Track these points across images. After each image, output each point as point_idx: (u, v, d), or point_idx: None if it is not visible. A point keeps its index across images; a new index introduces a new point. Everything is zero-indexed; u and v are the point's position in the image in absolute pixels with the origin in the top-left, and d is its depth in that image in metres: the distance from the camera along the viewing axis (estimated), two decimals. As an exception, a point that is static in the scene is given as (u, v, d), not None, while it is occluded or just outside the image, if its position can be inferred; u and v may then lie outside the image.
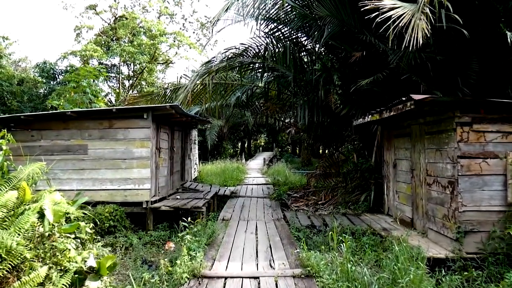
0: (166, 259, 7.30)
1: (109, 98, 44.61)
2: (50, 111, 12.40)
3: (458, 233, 7.68)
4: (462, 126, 7.83)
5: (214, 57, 15.11)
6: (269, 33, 15.58)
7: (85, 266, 6.48)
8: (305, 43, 16.43)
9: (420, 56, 10.43)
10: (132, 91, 45.69)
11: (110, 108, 11.99)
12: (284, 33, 15.65)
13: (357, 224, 10.97)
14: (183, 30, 48.08)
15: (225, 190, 18.29)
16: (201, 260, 7.39)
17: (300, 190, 18.78)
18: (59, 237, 6.33)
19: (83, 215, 8.78)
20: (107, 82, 47.82)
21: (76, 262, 6.37)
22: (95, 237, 8.84)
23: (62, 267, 6.21)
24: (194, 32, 53.01)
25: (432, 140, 8.98)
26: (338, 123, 15.54)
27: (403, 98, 7.96)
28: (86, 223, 7.99)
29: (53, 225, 6.50)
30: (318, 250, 8.24)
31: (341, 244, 7.37)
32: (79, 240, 7.49)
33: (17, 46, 74.43)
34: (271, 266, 7.64)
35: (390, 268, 6.64)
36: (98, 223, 10.42)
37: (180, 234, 8.87)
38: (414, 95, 7.52)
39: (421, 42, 7.59)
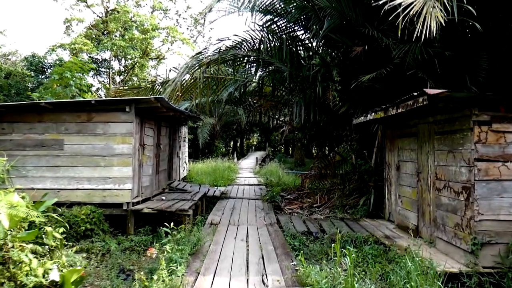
0: (142, 273, 6.31)
1: (99, 94, 43.61)
2: (24, 102, 11.38)
3: (473, 245, 6.82)
4: (480, 126, 6.98)
5: (206, 48, 14.20)
6: (265, 26, 14.71)
7: (47, 280, 5.57)
8: (303, 37, 15.58)
9: (427, 51, 9.69)
10: (123, 87, 44.49)
11: (89, 99, 10.99)
12: (280, 26, 14.78)
13: (356, 231, 10.14)
14: (176, 25, 47.26)
15: (215, 191, 17.34)
16: (182, 275, 6.42)
17: (294, 191, 18.01)
18: (12, 247, 5.38)
19: (52, 218, 7.84)
20: (97, 77, 46.94)
21: (36, 276, 5.44)
22: (67, 242, 7.89)
23: (18, 282, 5.29)
24: (188, 29, 52.18)
25: (444, 140, 8.09)
26: (336, 122, 14.75)
27: (415, 93, 7.09)
28: (57, 227, 7.11)
29: (9, 231, 5.58)
30: (317, 262, 7.38)
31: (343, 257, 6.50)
32: (47, 247, 6.60)
33: (4, 38, 72.65)
34: (263, 283, 6.63)
35: (400, 286, 5.81)
36: (73, 226, 9.46)
37: (161, 242, 8.02)
38: (428, 89, 6.65)
39: (435, 33, 6.78)
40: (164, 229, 7.84)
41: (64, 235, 7.29)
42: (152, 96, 11.05)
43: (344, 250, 6.64)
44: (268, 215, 13.10)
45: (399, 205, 10.83)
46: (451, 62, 10.02)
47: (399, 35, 8.00)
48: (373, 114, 10.01)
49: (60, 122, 10.77)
